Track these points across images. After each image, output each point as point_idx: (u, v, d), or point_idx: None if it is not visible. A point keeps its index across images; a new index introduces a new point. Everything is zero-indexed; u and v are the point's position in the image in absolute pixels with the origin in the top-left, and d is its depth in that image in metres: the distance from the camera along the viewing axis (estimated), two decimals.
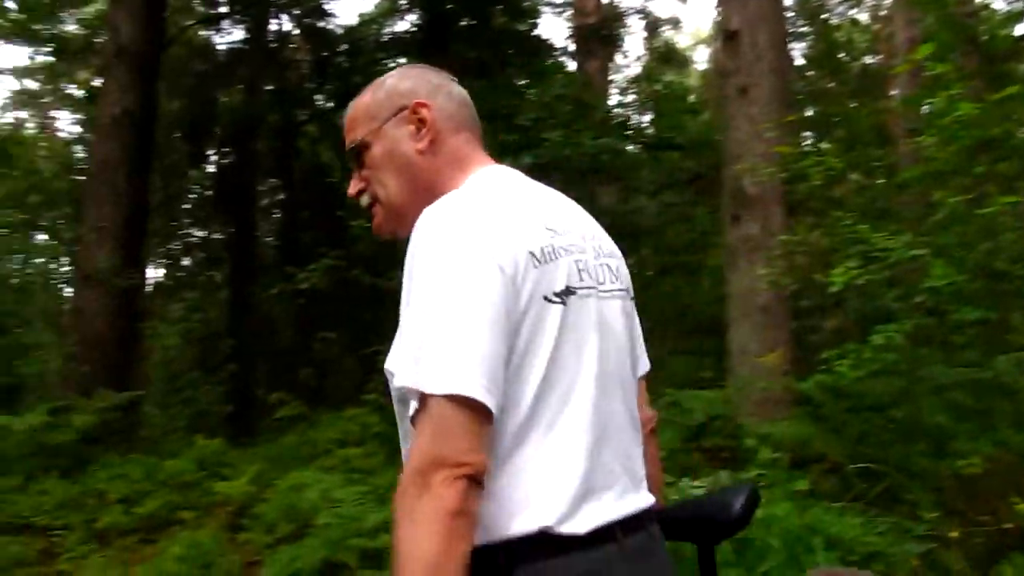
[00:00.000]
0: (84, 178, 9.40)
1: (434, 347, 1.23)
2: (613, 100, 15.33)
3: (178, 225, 15.61)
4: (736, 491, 1.65)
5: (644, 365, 1.64)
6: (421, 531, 1.17)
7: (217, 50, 13.53)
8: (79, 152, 18.42)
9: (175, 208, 14.86)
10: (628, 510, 1.37)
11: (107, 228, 8.06)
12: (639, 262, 11.25)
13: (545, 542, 1.26)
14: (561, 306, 1.33)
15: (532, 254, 1.32)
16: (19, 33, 15.51)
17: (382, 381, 6.72)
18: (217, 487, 5.67)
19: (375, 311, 11.36)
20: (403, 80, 1.57)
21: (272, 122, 12.94)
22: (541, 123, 8.03)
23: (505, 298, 1.26)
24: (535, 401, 1.30)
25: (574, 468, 1.31)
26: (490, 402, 1.21)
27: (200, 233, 16.33)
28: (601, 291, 1.43)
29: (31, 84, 23.15)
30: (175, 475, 5.98)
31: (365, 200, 1.60)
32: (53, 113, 24.94)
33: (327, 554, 4.42)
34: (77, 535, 5.44)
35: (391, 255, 12.16)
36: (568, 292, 1.35)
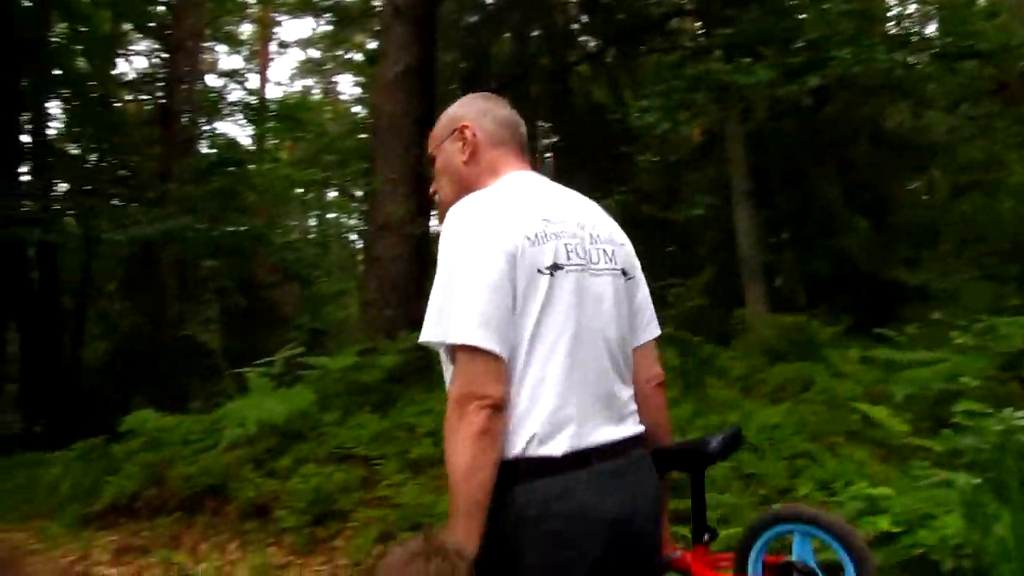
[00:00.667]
0: (367, 136, 10.17)
1: (453, 309, 1.77)
2: (895, 11, 14.10)
3: None
4: (718, 434, 2.16)
5: (652, 332, 2.16)
6: (460, 445, 1.72)
7: (487, 1, 14.03)
8: (361, 112, 19.89)
9: None
10: (604, 439, 1.87)
11: (397, 179, 8.69)
12: (928, 184, 10.48)
13: (526, 464, 1.78)
14: (548, 277, 1.83)
15: (527, 237, 1.84)
16: (302, 7, 16.98)
17: (679, 315, 6.75)
18: None
19: (662, 245, 11.37)
20: (460, 108, 2.18)
21: (543, 66, 13.27)
22: (825, 41, 7.58)
23: (508, 271, 1.78)
24: (527, 352, 1.80)
25: (547, 403, 1.80)
26: (498, 349, 1.75)
27: None
28: (592, 269, 1.94)
29: (314, 53, 25.39)
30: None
31: (437, 198, 2.19)
32: (335, 78, 27.18)
33: None
34: (393, 464, 6.00)
35: (675, 190, 12.16)
36: (555, 267, 1.85)
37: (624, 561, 1.84)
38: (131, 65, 21.65)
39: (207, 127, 20.03)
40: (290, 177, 15.59)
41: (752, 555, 2.13)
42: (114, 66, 19.61)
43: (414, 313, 8.41)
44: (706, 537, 2.13)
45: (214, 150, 19.76)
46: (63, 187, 16.89)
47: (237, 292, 19.20)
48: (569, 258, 1.88)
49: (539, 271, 1.82)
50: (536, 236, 1.84)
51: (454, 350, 1.77)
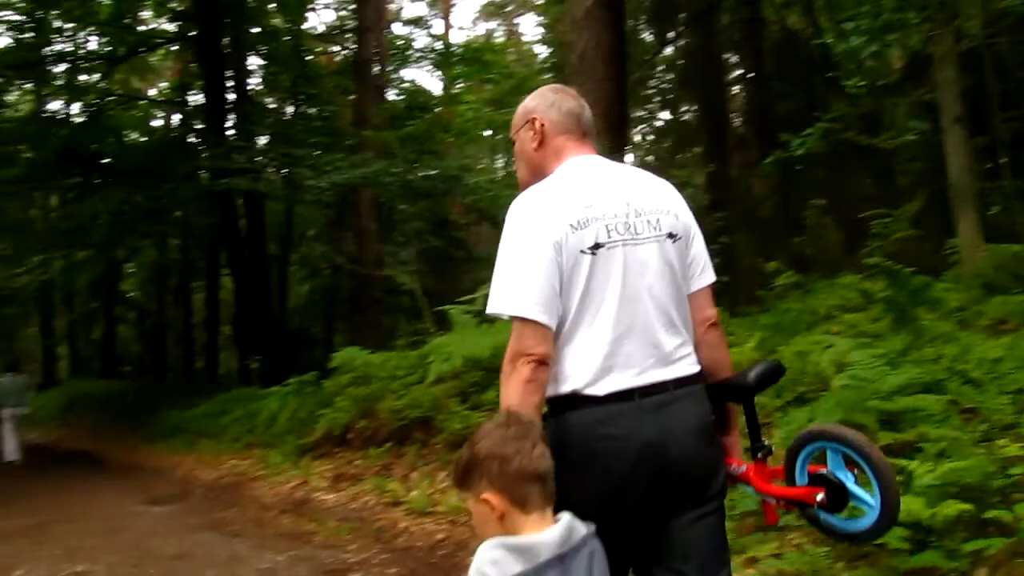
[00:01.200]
0: (553, 75, 10.32)
1: (510, 287, 2.25)
2: None
3: (649, 109, 16.40)
4: (756, 367, 2.47)
5: (705, 280, 2.50)
6: (510, 389, 2.19)
7: None
8: (544, 52, 20.00)
9: (640, 93, 15.66)
10: (648, 381, 2.25)
11: (593, 115, 8.85)
12: None
13: (574, 400, 2.22)
14: (591, 256, 2.24)
15: (571, 225, 2.25)
16: None
17: (879, 247, 6.60)
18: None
19: (862, 175, 11.04)
20: (532, 100, 2.58)
21: None
22: None
23: (554, 256, 2.22)
24: (575, 315, 2.24)
25: (598, 354, 2.23)
26: (543, 319, 2.20)
27: (666, 116, 17.01)
28: (636, 239, 2.32)
29: None
30: None
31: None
32: (517, 20, 27.47)
33: (844, 416, 4.50)
34: None
35: (879, 117, 11.71)
36: (596, 247, 2.25)
37: (656, 476, 2.22)
38: (321, 18, 22.77)
39: (397, 74, 20.88)
40: (480, 119, 16.01)
41: (797, 467, 2.48)
42: (306, 20, 20.74)
43: None
44: (760, 455, 2.47)
45: (405, 96, 20.60)
46: (265, 139, 18.05)
47: (432, 233, 20.06)
48: (610, 236, 2.29)
49: (582, 252, 2.25)
50: (578, 223, 2.27)
51: (512, 319, 2.25)
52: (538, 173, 2.50)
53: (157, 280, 29.06)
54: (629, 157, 13.92)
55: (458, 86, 22.75)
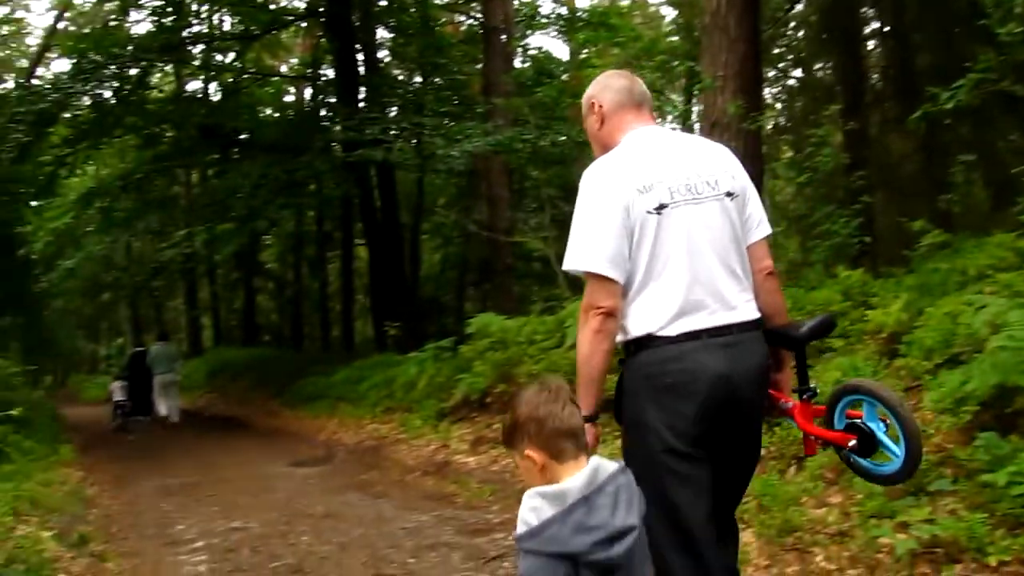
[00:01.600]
0: (679, 38, 10.07)
1: (584, 247, 2.57)
2: None
3: (781, 67, 15.88)
4: (810, 320, 2.86)
5: (761, 232, 2.78)
6: (582, 338, 2.57)
7: None
8: (670, 15, 19.56)
9: (772, 51, 15.19)
10: (715, 323, 2.54)
11: (727, 75, 8.64)
12: None
13: (650, 339, 2.54)
14: (657, 215, 2.55)
15: (638, 189, 2.56)
16: None
17: None
18: (869, 315, 5.88)
19: (1011, 129, 10.41)
20: (591, 88, 2.92)
21: None
22: None
23: (624, 218, 2.53)
24: (646, 269, 2.54)
25: (668, 302, 2.53)
26: (612, 274, 2.52)
27: (798, 74, 16.43)
28: (698, 199, 2.61)
29: None
30: (822, 305, 6.32)
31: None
32: None
33: (1000, 379, 4.35)
34: None
35: None
36: (661, 207, 2.56)
37: (727, 408, 2.53)
38: None
39: (524, 42, 20.82)
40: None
41: (837, 412, 2.83)
42: None
43: None
44: (805, 396, 2.83)
45: (532, 63, 20.54)
46: (395, 110, 18.31)
47: (563, 199, 20.01)
48: (673, 197, 2.58)
49: (648, 212, 2.55)
50: (644, 187, 2.57)
51: (585, 274, 2.58)
52: (607, 148, 2.81)
53: (294, 251, 30.00)
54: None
55: (585, 51, 22.58)
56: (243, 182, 15.97)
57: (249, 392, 20.16)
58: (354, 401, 13.50)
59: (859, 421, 2.74)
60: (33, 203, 31.59)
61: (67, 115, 17.72)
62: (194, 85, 28.45)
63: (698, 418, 2.49)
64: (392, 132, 16.38)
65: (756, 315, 2.68)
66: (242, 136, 19.62)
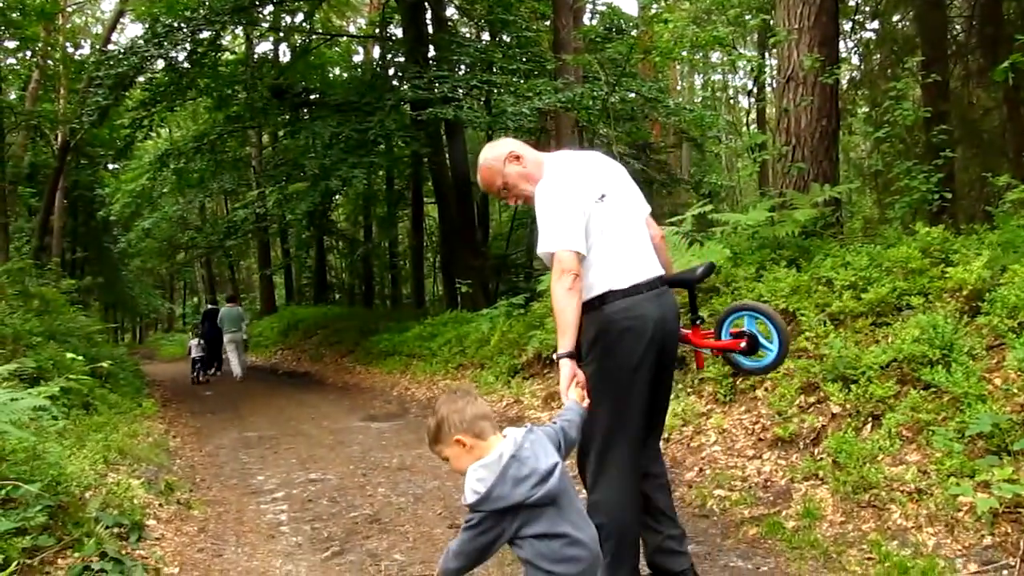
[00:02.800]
0: None
1: (553, 233, 3.35)
2: None
3: (860, 18, 15.44)
4: (701, 266, 3.87)
5: (646, 209, 3.81)
6: (560, 295, 3.26)
7: None
8: None
9: (849, 1, 14.77)
10: (645, 278, 3.49)
11: (802, 28, 8.48)
12: None
13: (609, 295, 3.43)
14: (599, 202, 3.50)
15: (585, 185, 3.51)
16: None
17: None
18: (950, 272, 5.78)
19: None
20: (495, 150, 3.81)
21: None
22: None
23: (581, 206, 3.42)
24: (597, 243, 3.44)
25: (619, 267, 3.46)
26: (579, 248, 3.33)
27: (874, 26, 15.96)
28: (618, 190, 3.63)
29: None
30: (900, 263, 6.23)
31: (520, 202, 3.84)
32: None
33: None
34: (812, 317, 6.14)
35: None
36: (602, 196, 3.52)
37: (662, 340, 3.51)
38: None
39: None
40: (682, 38, 15.57)
41: (723, 329, 4.00)
42: None
43: (827, 165, 8.30)
44: (697, 323, 3.94)
45: (602, 19, 20.29)
46: (464, 68, 18.28)
47: (634, 157, 19.88)
48: (607, 189, 3.58)
49: (595, 201, 3.51)
50: (588, 183, 3.56)
51: (556, 253, 3.34)
52: (537, 178, 3.66)
53: (364, 210, 30.32)
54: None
55: (655, 6, 22.22)
56: (314, 142, 16.16)
57: (321, 349, 20.56)
58: (426, 358, 13.70)
59: (744, 329, 3.90)
60: (111, 166, 32.55)
61: (142, 79, 18.09)
62: (264, 47, 28.84)
63: (647, 349, 3.46)
64: (461, 90, 16.40)
65: (661, 270, 3.67)
66: (312, 96, 19.82)
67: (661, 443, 6.48)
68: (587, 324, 3.46)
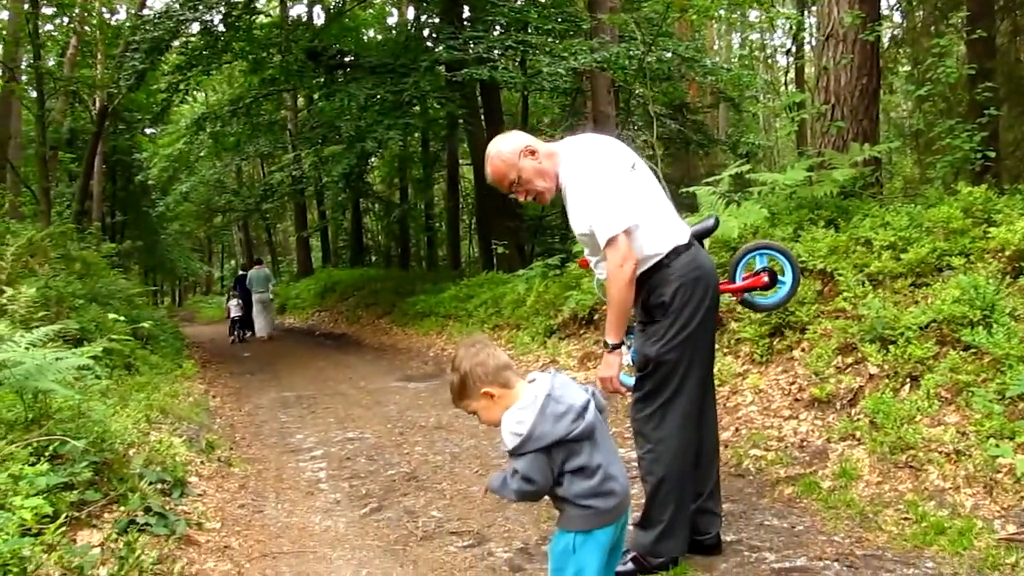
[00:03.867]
0: None
1: (610, 215, 3.42)
2: None
3: None
4: (710, 216, 4.09)
5: None
6: (621, 286, 3.42)
7: None
8: None
9: None
10: (690, 232, 3.73)
11: None
12: None
13: (677, 250, 3.57)
14: (633, 170, 3.61)
15: (616, 157, 3.62)
16: None
17: None
18: (992, 233, 5.70)
19: None
20: (510, 143, 3.70)
21: None
22: None
23: (620, 179, 3.54)
24: (644, 208, 3.55)
25: (669, 222, 3.64)
26: (632, 222, 3.43)
27: None
28: (639, 162, 3.71)
29: None
30: (941, 223, 6.14)
31: (529, 199, 3.80)
32: None
33: None
34: (850, 278, 6.08)
35: None
36: (633, 166, 3.63)
37: (716, 288, 3.70)
38: None
39: None
40: None
41: (737, 274, 4.22)
42: None
43: (867, 124, 8.18)
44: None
45: None
46: (499, 28, 18.13)
47: (670, 117, 19.69)
48: (635, 162, 3.68)
49: (629, 170, 3.61)
50: (617, 155, 3.65)
51: (615, 236, 3.40)
52: (554, 171, 3.67)
53: (400, 172, 30.35)
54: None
55: None
56: (350, 104, 16.16)
57: (358, 311, 20.71)
58: (462, 319, 13.76)
59: (759, 268, 4.12)
60: (148, 131, 32.81)
61: (178, 43, 18.16)
62: (298, 9, 28.79)
63: (712, 297, 3.65)
64: (496, 51, 16.28)
65: None
66: (347, 59, 19.78)
67: None
68: (659, 283, 3.58)
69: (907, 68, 15.67)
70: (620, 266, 3.39)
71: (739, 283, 4.14)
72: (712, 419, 3.89)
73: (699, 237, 3.87)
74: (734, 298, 4.33)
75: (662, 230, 3.57)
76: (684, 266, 3.55)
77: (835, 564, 3.62)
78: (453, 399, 2.79)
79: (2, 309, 6.53)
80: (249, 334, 19.82)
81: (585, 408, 2.62)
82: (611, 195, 3.46)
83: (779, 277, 4.06)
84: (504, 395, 2.66)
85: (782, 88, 24.02)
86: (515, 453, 2.59)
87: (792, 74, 23.08)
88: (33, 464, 3.81)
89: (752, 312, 6.23)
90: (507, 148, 3.67)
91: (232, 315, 19.77)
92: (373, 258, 36.15)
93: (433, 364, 12.02)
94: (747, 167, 8.43)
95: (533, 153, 3.64)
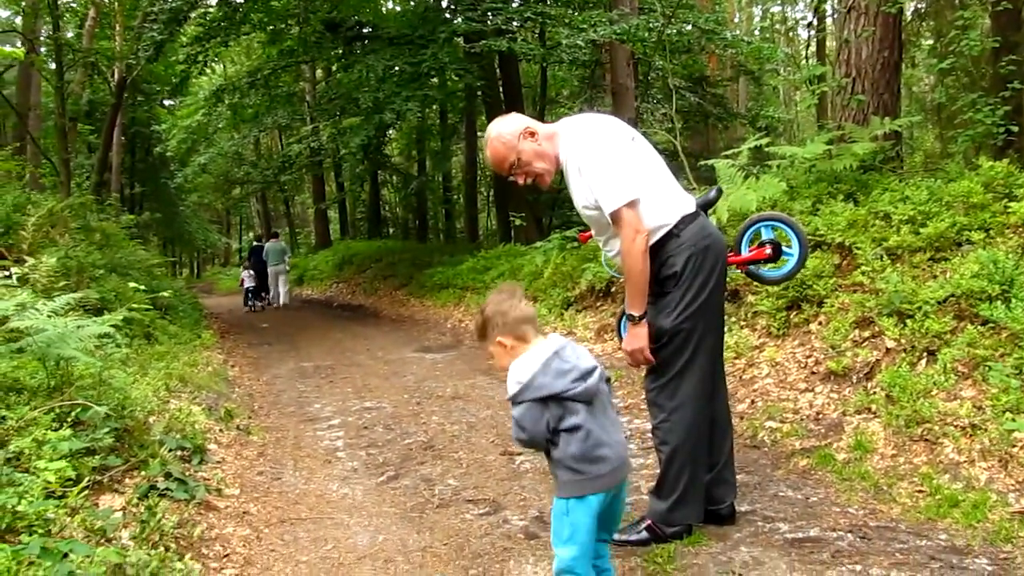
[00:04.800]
0: None
1: (616, 187, 3.45)
2: None
3: None
4: (714, 188, 4.21)
5: None
6: (636, 258, 3.44)
7: None
8: None
9: None
10: (696, 203, 3.75)
11: None
12: None
13: (685, 219, 3.59)
14: (634, 143, 3.65)
15: (618, 131, 3.66)
16: None
17: None
18: (1013, 208, 5.65)
19: None
20: (508, 126, 3.70)
21: None
22: None
23: (623, 152, 3.56)
24: (649, 179, 3.58)
25: (674, 192, 3.66)
26: (637, 194, 3.46)
27: None
28: (640, 138, 3.76)
29: None
30: (961, 197, 6.09)
31: (530, 181, 3.78)
32: None
33: None
34: (869, 251, 6.05)
35: None
36: (633, 139, 3.68)
37: (724, 256, 3.73)
38: None
39: None
40: None
41: (743, 246, 4.21)
42: None
43: (888, 98, 8.11)
44: None
45: None
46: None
47: (690, 90, 19.55)
48: (634, 135, 3.74)
49: (630, 142, 3.67)
50: (617, 129, 3.70)
51: (620, 208, 3.45)
52: (554, 152, 3.69)
53: (418, 144, 30.32)
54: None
55: None
56: (368, 75, 16.13)
57: (376, 282, 20.78)
58: (480, 290, 13.79)
59: (765, 239, 4.13)
60: (167, 102, 32.87)
61: (196, 14, 18.13)
62: None
63: (722, 265, 3.69)
64: (515, 22, 16.20)
65: None
66: (366, 30, 19.72)
67: None
68: (670, 254, 3.59)
69: (930, 41, 15.50)
70: (633, 239, 3.43)
71: (743, 255, 4.16)
72: (723, 389, 3.92)
73: (703, 208, 3.86)
74: (739, 270, 4.35)
75: (668, 200, 3.60)
76: (694, 235, 3.57)
77: (848, 535, 3.65)
78: (475, 336, 3.08)
79: (24, 278, 6.60)
80: (262, 304, 20.60)
81: (590, 372, 2.76)
82: (615, 168, 3.49)
83: (785, 249, 4.07)
84: (517, 347, 2.84)
85: (802, 61, 23.81)
86: (514, 401, 2.76)
87: (813, 47, 22.88)
88: (56, 430, 3.87)
89: (760, 284, 6.21)
90: (507, 130, 3.67)
91: (246, 285, 20.61)
92: (391, 230, 36.20)
93: (450, 335, 12.07)
94: (766, 140, 8.36)
95: (533, 135, 3.65)
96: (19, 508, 3.07)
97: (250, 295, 20.43)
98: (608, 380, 2.87)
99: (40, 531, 3.03)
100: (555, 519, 2.81)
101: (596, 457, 2.73)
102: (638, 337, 3.58)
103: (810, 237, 6.63)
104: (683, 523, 3.67)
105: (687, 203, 3.67)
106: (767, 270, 4.17)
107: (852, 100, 8.06)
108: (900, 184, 6.84)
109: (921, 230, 5.94)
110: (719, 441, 3.81)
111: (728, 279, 4.15)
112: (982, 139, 7.90)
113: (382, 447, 5.88)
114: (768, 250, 4.08)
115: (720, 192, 4.18)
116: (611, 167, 3.49)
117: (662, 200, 3.58)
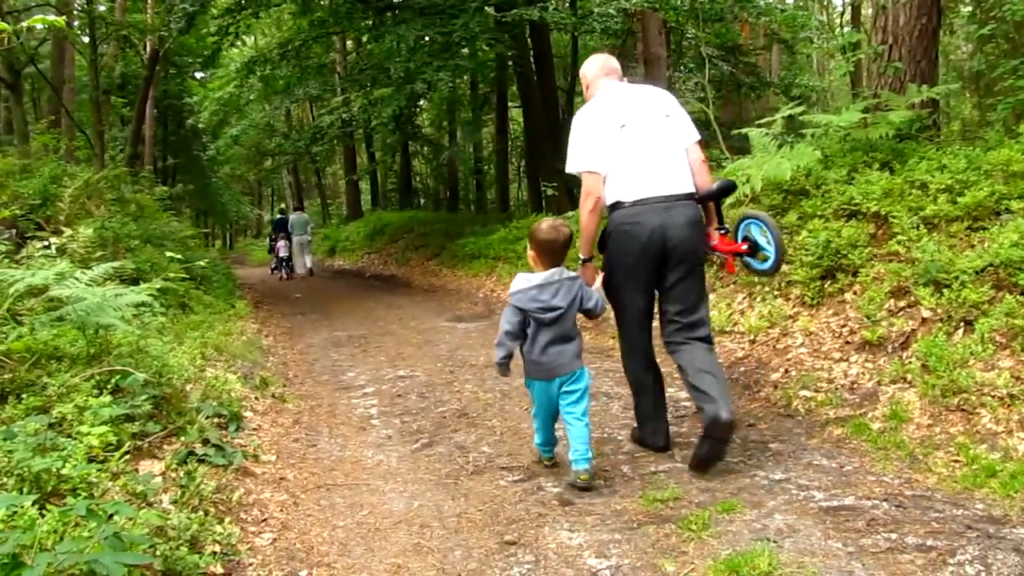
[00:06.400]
0: None
1: (580, 155, 4.41)
2: None
3: None
4: (721, 181, 4.50)
5: (690, 138, 4.46)
6: (584, 214, 4.37)
7: None
8: None
9: None
10: (661, 193, 4.25)
11: None
12: None
13: (618, 204, 4.31)
14: (623, 128, 4.34)
15: (610, 116, 4.39)
16: None
17: None
18: None
19: None
20: (584, 69, 4.79)
21: None
22: None
23: (602, 133, 4.35)
24: (616, 163, 4.31)
25: (629, 179, 4.29)
26: (599, 169, 4.33)
27: None
28: (646, 120, 4.38)
29: None
30: (1000, 166, 5.99)
31: None
32: None
33: None
34: (904, 220, 5.97)
35: None
36: (623, 125, 4.35)
37: (662, 243, 4.20)
38: None
39: None
40: None
41: (738, 236, 4.60)
42: None
43: (925, 65, 7.96)
44: (721, 231, 4.58)
45: None
46: None
47: (722, 59, 19.32)
48: (628, 120, 4.34)
49: (616, 128, 4.32)
50: (612, 114, 4.37)
51: (581, 174, 4.35)
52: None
53: (448, 115, 30.26)
54: None
55: None
56: (399, 46, 16.10)
57: (408, 253, 20.84)
58: (511, 260, 13.79)
59: (747, 235, 4.53)
60: (198, 75, 32.96)
61: None
62: None
63: (643, 249, 4.22)
64: None
65: (690, 189, 4.35)
66: (396, 0, 19.67)
67: (748, 343, 6.54)
68: (607, 226, 4.43)
69: (968, 8, 15.21)
70: (584, 200, 4.36)
71: (722, 245, 4.61)
72: (709, 369, 4.29)
73: (704, 199, 4.45)
74: (727, 257, 4.84)
75: (632, 183, 4.27)
76: (619, 217, 4.28)
77: (884, 503, 3.63)
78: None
79: (62, 248, 6.69)
80: (288, 273, 21.13)
81: (552, 310, 4.03)
82: (582, 142, 4.40)
83: (765, 246, 4.47)
84: (538, 262, 4.18)
85: (837, 28, 23.44)
86: (510, 295, 4.16)
87: (848, 14, 22.50)
88: (96, 396, 3.93)
89: (805, 254, 6.18)
90: (587, 68, 4.78)
91: (281, 254, 21.13)
92: (422, 201, 36.24)
93: (483, 305, 12.10)
94: (800, 109, 8.25)
95: (586, 85, 4.76)
96: (64, 471, 3.13)
97: (284, 264, 21.05)
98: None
99: (84, 494, 3.09)
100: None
101: (536, 360, 4.14)
102: (586, 273, 4.44)
103: (844, 206, 6.58)
104: (651, 447, 4.65)
105: (641, 190, 4.24)
106: (755, 263, 4.58)
107: (889, 68, 7.93)
108: (937, 153, 6.73)
109: (959, 199, 5.85)
110: (703, 388, 4.22)
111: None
112: (1022, 107, 7.75)
113: (416, 415, 5.92)
114: (744, 246, 4.55)
115: (722, 186, 4.51)
116: (580, 141, 4.41)
117: (627, 181, 4.28)
